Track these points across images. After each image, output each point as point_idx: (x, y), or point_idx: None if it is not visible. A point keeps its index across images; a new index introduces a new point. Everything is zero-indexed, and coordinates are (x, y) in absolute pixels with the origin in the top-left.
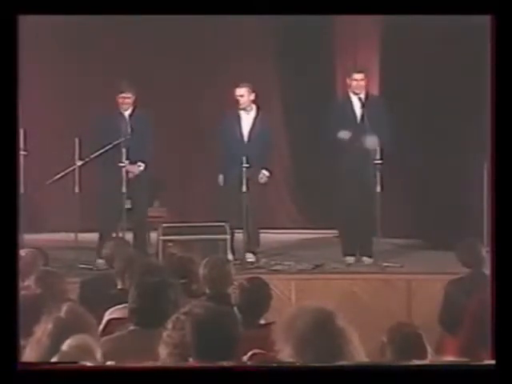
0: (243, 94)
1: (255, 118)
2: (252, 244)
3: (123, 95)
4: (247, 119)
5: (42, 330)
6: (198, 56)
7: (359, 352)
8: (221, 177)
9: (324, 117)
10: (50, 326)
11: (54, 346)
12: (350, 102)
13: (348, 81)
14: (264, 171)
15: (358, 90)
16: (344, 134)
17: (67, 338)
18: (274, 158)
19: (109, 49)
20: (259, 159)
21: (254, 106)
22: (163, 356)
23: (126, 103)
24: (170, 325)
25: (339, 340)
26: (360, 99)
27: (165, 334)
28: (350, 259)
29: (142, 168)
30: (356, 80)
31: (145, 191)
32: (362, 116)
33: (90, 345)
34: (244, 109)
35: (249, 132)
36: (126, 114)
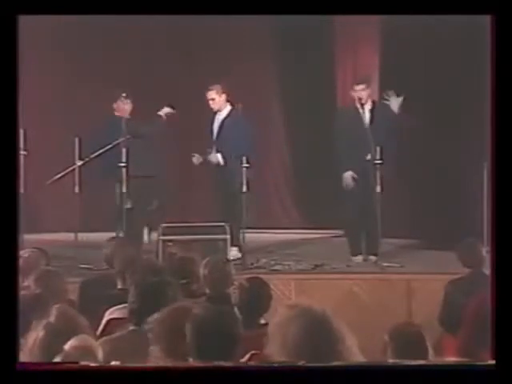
0: (214, 96)
1: (226, 118)
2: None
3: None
4: (219, 120)
5: (34, 337)
6: (197, 56)
7: (353, 351)
8: (196, 156)
9: (329, 117)
10: (41, 332)
11: (48, 352)
12: (356, 108)
13: (352, 93)
14: (218, 155)
15: (363, 100)
16: (348, 179)
17: (60, 342)
18: (274, 158)
19: (109, 49)
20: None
21: (227, 106)
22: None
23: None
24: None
25: (331, 340)
26: (367, 107)
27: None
28: (359, 259)
29: None
30: (358, 91)
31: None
32: (371, 121)
33: (92, 345)
34: (218, 110)
35: (217, 132)
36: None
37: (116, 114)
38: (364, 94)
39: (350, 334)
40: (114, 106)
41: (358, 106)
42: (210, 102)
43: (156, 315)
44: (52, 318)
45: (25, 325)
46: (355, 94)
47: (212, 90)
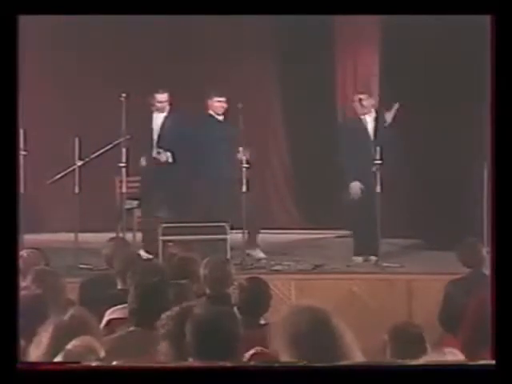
0: (167, 98)
1: (166, 118)
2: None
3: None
4: (159, 119)
5: (44, 333)
6: (197, 56)
7: (352, 348)
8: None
9: (329, 117)
10: (52, 329)
11: (56, 350)
12: (359, 119)
13: (354, 103)
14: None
15: (365, 110)
16: (355, 189)
17: (69, 342)
18: (275, 158)
19: (109, 49)
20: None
21: (167, 107)
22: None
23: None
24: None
25: (332, 337)
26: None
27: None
28: (359, 259)
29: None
30: (361, 101)
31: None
32: (375, 129)
33: (95, 346)
34: (160, 110)
35: (159, 132)
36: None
37: (210, 112)
38: (367, 104)
39: (350, 331)
40: (209, 103)
41: (362, 116)
42: (159, 105)
43: (168, 313)
44: (66, 318)
45: (24, 325)
46: (358, 104)
47: (163, 93)
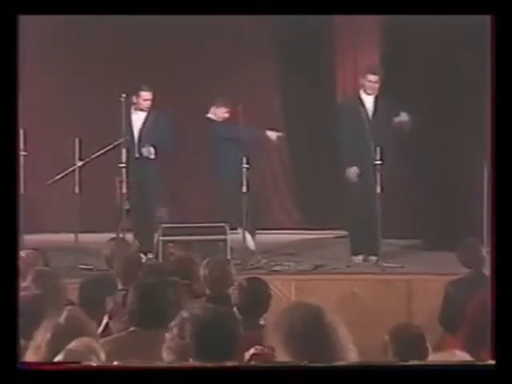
0: (151, 97)
1: (147, 118)
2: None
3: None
4: (139, 119)
5: (42, 335)
6: (197, 56)
7: (346, 344)
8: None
9: (332, 116)
10: (49, 332)
11: (54, 352)
12: (361, 101)
13: (361, 80)
14: (151, 148)
15: (370, 91)
16: (353, 173)
17: (67, 343)
18: (274, 158)
19: (109, 49)
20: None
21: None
22: (168, 361)
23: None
24: (175, 330)
25: (325, 333)
26: (372, 99)
27: (169, 337)
28: (359, 259)
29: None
30: (370, 81)
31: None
32: (373, 115)
33: (95, 347)
34: (141, 110)
35: (139, 131)
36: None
37: (212, 117)
38: (375, 86)
39: (344, 327)
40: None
41: (363, 95)
42: (145, 103)
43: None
44: (61, 320)
45: (24, 325)
46: (365, 83)
47: (148, 91)
